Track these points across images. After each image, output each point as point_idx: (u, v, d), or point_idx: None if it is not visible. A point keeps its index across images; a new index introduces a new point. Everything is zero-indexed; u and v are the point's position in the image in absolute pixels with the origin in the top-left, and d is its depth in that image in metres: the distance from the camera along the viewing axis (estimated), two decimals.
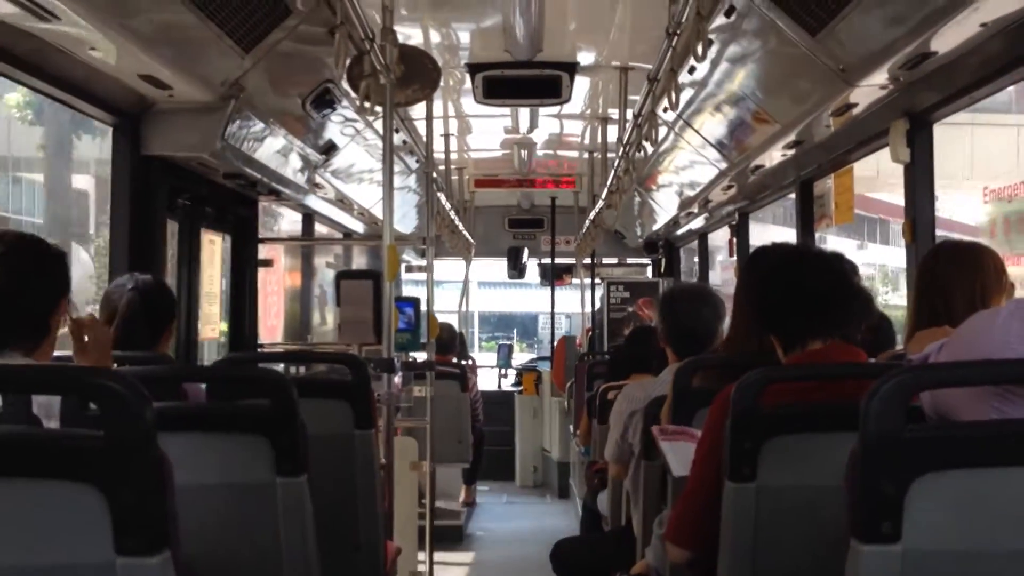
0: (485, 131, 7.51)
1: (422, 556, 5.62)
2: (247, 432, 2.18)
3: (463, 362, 8.80)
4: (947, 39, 3.15)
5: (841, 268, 2.39)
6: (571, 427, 8.18)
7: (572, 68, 5.41)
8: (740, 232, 6.65)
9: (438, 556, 5.92)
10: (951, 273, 2.73)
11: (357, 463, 3.02)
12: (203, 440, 2.19)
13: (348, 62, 4.27)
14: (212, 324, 4.93)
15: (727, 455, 2.05)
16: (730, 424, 2.05)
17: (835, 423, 2.01)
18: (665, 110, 5.34)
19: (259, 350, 5.20)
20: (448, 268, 11.42)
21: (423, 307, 5.58)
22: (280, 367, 5.68)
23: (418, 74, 4.30)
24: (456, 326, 10.42)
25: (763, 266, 2.56)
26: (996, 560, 1.25)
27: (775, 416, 2.04)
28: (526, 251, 10.63)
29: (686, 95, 5.17)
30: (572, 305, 11.80)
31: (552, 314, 10.74)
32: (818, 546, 1.91)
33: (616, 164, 5.86)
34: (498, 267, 11.30)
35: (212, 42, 3.56)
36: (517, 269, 10.68)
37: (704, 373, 2.91)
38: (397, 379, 6.77)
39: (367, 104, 3.90)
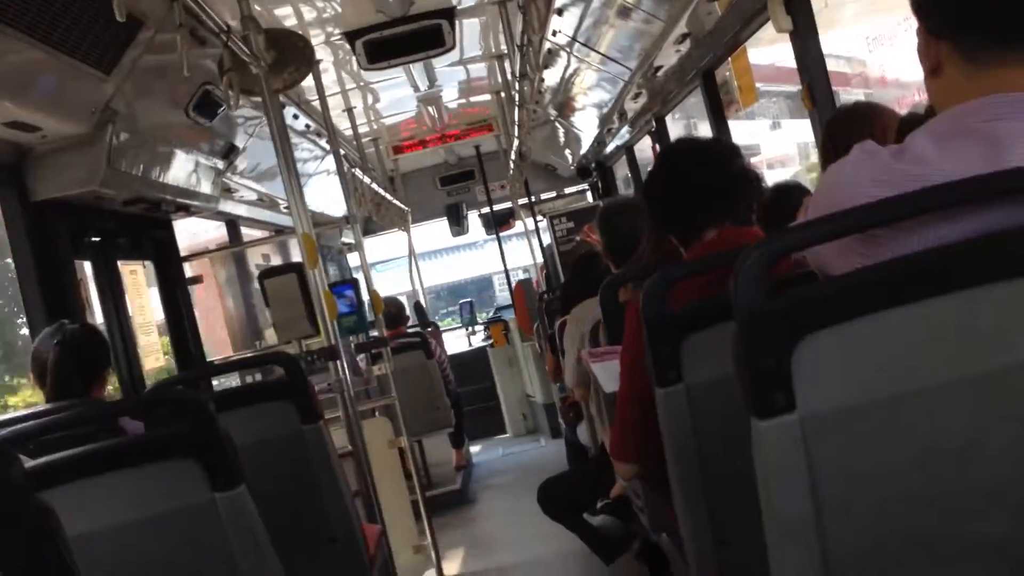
0: (390, 96, 7.39)
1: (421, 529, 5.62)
2: (174, 457, 2.12)
3: (425, 329, 8.76)
4: None
5: (719, 153, 2.36)
6: (547, 368, 8.18)
7: (451, 13, 5.30)
8: (660, 137, 6.62)
9: (442, 522, 5.92)
10: (843, 136, 2.72)
11: (312, 458, 2.97)
12: (134, 475, 2.13)
13: (217, 61, 4.16)
14: (155, 354, 4.85)
15: (649, 362, 2.03)
16: (646, 331, 2.02)
17: None
18: (555, 34, 5.27)
19: (210, 365, 5.12)
20: (389, 243, 11.33)
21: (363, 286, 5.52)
22: (236, 378, 5.63)
23: (291, 55, 4.19)
24: (413, 300, 10.38)
25: (649, 172, 2.53)
26: (895, 405, 1.23)
27: (685, 315, 2.02)
28: (464, 206, 10.55)
29: (574, 15, 5.10)
30: (524, 256, 11.75)
31: (504, 264, 10.69)
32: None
33: (517, 99, 5.79)
34: (439, 234, 11.22)
35: (69, 73, 3.44)
36: (459, 225, 10.61)
37: (635, 285, 2.89)
38: (361, 362, 6.74)
39: (237, 97, 3.78)
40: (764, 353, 1.23)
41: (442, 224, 10.83)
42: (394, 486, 5.25)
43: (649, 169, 2.92)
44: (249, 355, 5.05)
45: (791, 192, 3.58)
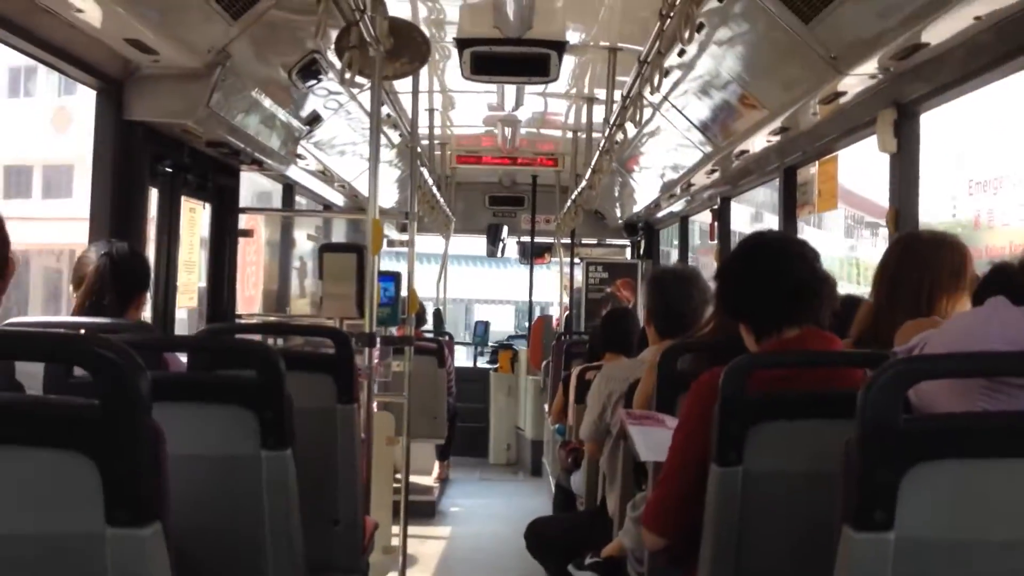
0: (469, 107, 7.46)
1: (396, 530, 5.63)
2: (233, 404, 2.16)
3: (440, 338, 8.79)
4: (939, 31, 3.16)
5: (810, 253, 2.39)
6: (546, 406, 8.20)
7: (561, 47, 5.38)
8: (722, 217, 6.66)
9: (411, 531, 5.93)
10: (902, 265, 2.75)
11: (339, 438, 3.00)
12: (188, 410, 2.17)
13: (336, 33, 4.24)
14: (190, 293, 4.89)
15: (714, 439, 2.06)
16: (718, 408, 2.05)
17: (821, 410, 2.02)
18: (653, 92, 5.34)
19: (237, 321, 5.16)
20: (425, 243, 11.37)
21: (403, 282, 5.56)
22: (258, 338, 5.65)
23: (407, 48, 4.26)
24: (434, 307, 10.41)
25: (734, 255, 2.56)
26: (987, 550, 1.26)
27: (762, 402, 2.05)
28: (505, 229, 10.60)
29: (674, 77, 5.16)
30: (547, 292, 11.79)
31: (530, 293, 10.73)
32: (801, 531, 1.92)
33: (600, 145, 5.84)
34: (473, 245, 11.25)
35: (200, 8, 3.51)
36: (496, 246, 10.66)
37: (687, 357, 2.92)
38: (380, 354, 6.77)
39: (353, 76, 3.85)
40: (878, 468, 1.26)
41: (474, 239, 10.89)
42: (382, 483, 5.27)
43: (731, 253, 2.96)
44: (302, 323, 5.08)
45: (855, 305, 3.63)
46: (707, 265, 8.18)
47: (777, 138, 4.96)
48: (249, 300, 6.37)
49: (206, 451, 2.16)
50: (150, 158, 4.16)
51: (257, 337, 5.07)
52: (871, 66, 3.58)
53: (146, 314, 4.36)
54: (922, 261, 2.77)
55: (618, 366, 4.32)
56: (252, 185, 6.86)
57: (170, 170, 4.49)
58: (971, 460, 1.25)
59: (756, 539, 2.05)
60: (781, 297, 2.35)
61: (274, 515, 2.16)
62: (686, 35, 3.71)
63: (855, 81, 3.78)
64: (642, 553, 2.94)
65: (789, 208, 5.34)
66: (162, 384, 2.15)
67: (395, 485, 5.80)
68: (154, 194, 4.47)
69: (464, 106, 7.47)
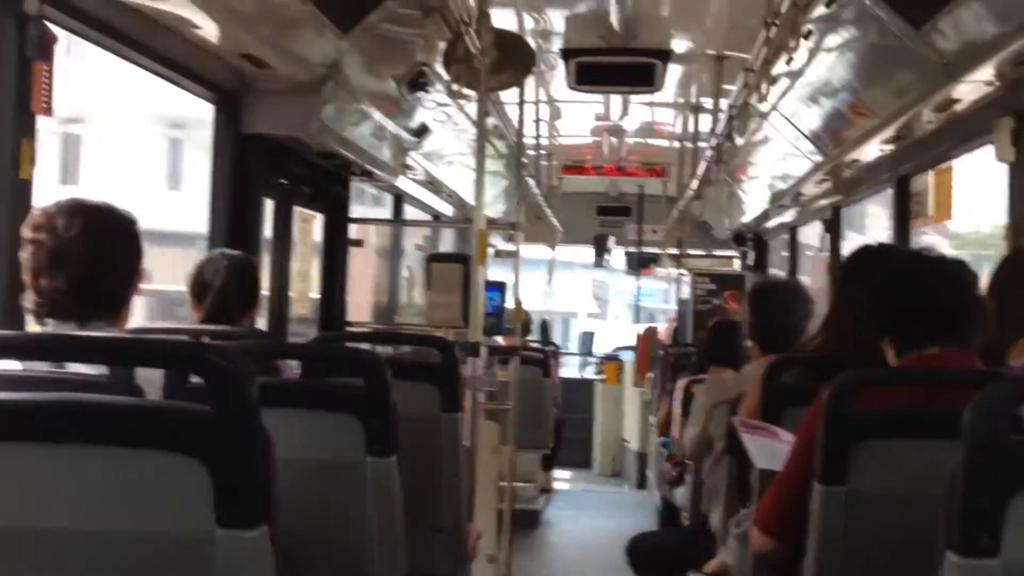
0: (575, 117, 7.48)
1: (499, 539, 5.67)
2: (340, 411, 2.22)
3: (547, 348, 8.82)
4: None
5: (967, 275, 2.34)
6: (651, 418, 8.15)
7: (666, 56, 5.35)
8: (833, 227, 6.52)
9: (515, 540, 5.96)
10: (1011, 281, 2.66)
11: (443, 446, 3.05)
12: (296, 416, 2.24)
13: (443, 45, 4.31)
14: (303, 301, 5.03)
15: (818, 456, 2.03)
16: (823, 425, 2.02)
17: (931, 430, 1.97)
18: (760, 100, 5.27)
19: (347, 329, 5.28)
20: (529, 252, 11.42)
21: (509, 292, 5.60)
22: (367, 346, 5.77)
23: (512, 59, 4.31)
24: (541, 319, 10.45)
25: (885, 268, 2.52)
26: None
27: (868, 419, 2.01)
28: (612, 239, 10.57)
29: (782, 85, 5.08)
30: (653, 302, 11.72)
31: (637, 304, 10.68)
32: (907, 554, 1.88)
33: (708, 154, 5.79)
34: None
35: (310, 23, 3.61)
36: (603, 256, 10.64)
37: (793, 371, 2.88)
38: (482, 363, 6.84)
39: (460, 88, 3.91)
40: (984, 491, 1.23)
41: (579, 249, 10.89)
42: (487, 491, 5.31)
43: (856, 262, 2.89)
44: (409, 331, 5.16)
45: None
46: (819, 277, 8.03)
47: (890, 147, 4.84)
48: (359, 308, 6.50)
49: (313, 456, 2.22)
50: (264, 169, 4.30)
51: (366, 345, 5.19)
52: (987, 72, 3.47)
53: (261, 322, 4.52)
54: None
55: (722, 379, 4.27)
56: (362, 196, 7.01)
57: (284, 181, 4.63)
58: None
59: (860, 560, 2.01)
60: (931, 316, 2.31)
61: (379, 521, 2.21)
62: (793, 43, 3.66)
63: (970, 88, 3.66)
64: (746, 569, 2.90)
65: (902, 219, 5.19)
66: (272, 390, 2.24)
67: (499, 494, 5.84)
68: (269, 205, 4.61)
69: (570, 116, 7.50)
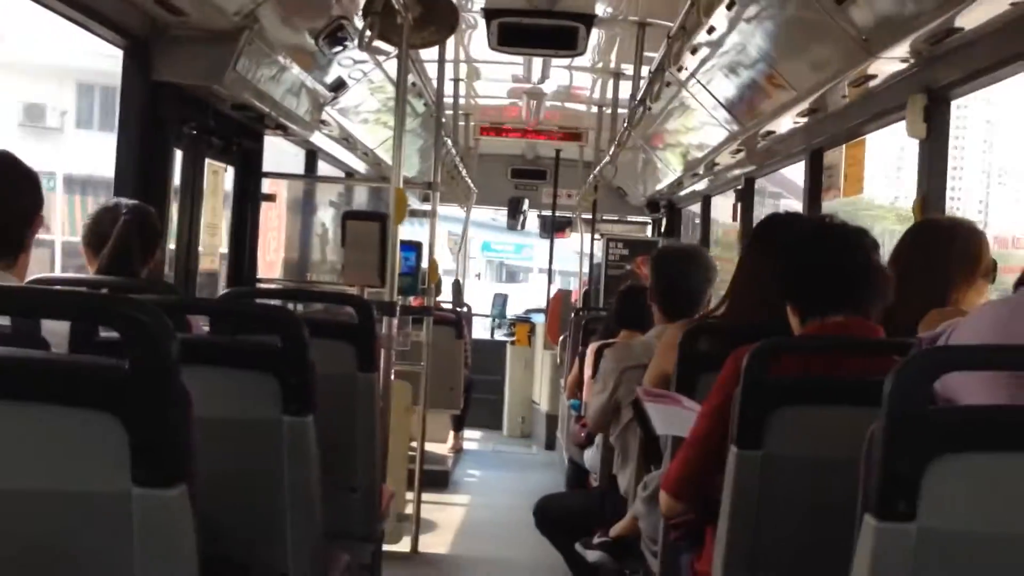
0: (494, 78, 7.43)
1: (410, 497, 5.67)
2: (256, 369, 2.18)
3: (459, 309, 8.81)
4: (974, 15, 3.11)
5: (869, 243, 2.39)
6: (562, 381, 8.22)
7: (590, 20, 5.34)
8: (745, 198, 6.63)
9: (425, 499, 5.97)
10: (914, 251, 2.73)
11: (359, 406, 3.02)
12: (211, 374, 2.18)
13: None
14: (211, 256, 4.91)
15: (734, 421, 2.06)
16: (740, 391, 2.06)
17: (843, 397, 2.02)
18: (680, 69, 5.30)
19: (259, 286, 5.18)
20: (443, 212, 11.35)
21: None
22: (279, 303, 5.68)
23: (435, 17, 4.25)
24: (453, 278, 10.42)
25: (788, 236, 2.55)
26: (1011, 543, 1.26)
27: (784, 386, 2.05)
28: (527, 202, 10.59)
29: (702, 54, 5.12)
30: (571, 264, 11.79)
31: (550, 267, 10.73)
32: (820, 518, 1.92)
33: (626, 120, 5.81)
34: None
35: None
36: (517, 219, 10.65)
37: (703, 337, 2.92)
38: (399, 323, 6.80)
39: (380, 43, 3.84)
40: (901, 457, 1.26)
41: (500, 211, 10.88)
42: (398, 452, 5.30)
43: (763, 231, 2.94)
44: (324, 289, 5.10)
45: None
46: (730, 245, 8.16)
47: (804, 120, 4.92)
48: (270, 265, 6.39)
49: (229, 415, 2.18)
50: (176, 119, 4.16)
51: (278, 302, 5.11)
52: (903, 49, 3.54)
53: (169, 274, 4.40)
54: (935, 248, 2.75)
55: (630, 345, 4.30)
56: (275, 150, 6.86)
57: (195, 132, 4.50)
58: (996, 453, 1.25)
59: (773, 522, 2.05)
60: (835, 284, 2.35)
61: (294, 481, 2.18)
62: (715, 11, 3.68)
63: (886, 64, 3.73)
64: (656, 533, 2.95)
65: (815, 191, 5.30)
66: (187, 347, 2.17)
67: (410, 454, 5.83)
68: (179, 156, 4.48)
69: (489, 77, 7.44)
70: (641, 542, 3.31)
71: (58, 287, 2.63)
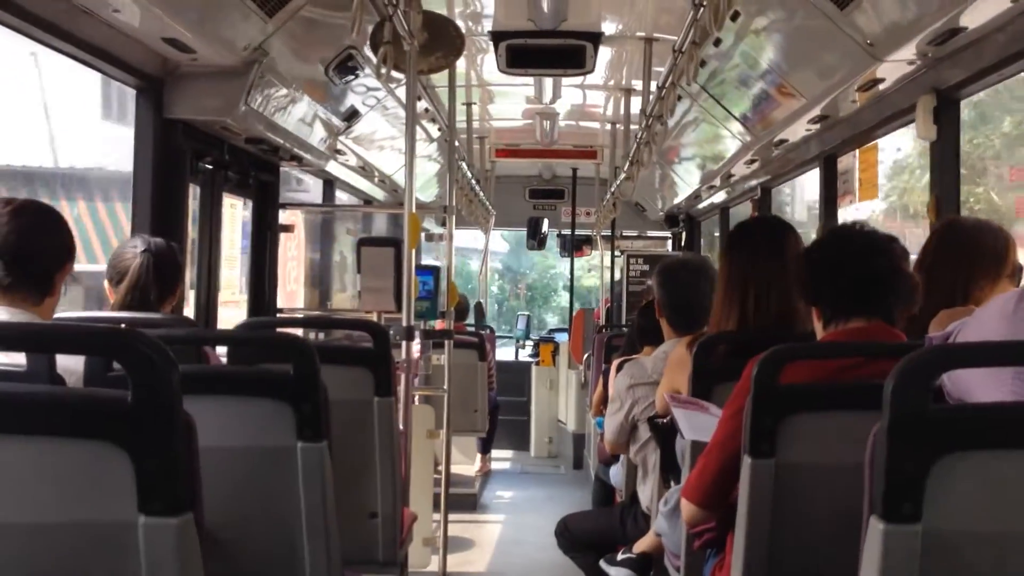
0: (507, 100, 7.47)
1: (436, 517, 5.67)
2: (269, 397, 2.19)
3: (481, 331, 8.81)
4: (977, 15, 3.11)
5: (894, 249, 2.38)
6: (587, 399, 8.21)
7: (597, 38, 5.36)
8: (762, 207, 6.62)
9: (452, 524, 5.97)
10: (938, 253, 2.73)
11: (377, 430, 3.03)
12: (225, 403, 2.21)
13: (371, 28, 4.26)
14: (231, 288, 4.95)
15: (746, 430, 2.06)
16: (750, 400, 2.05)
17: (856, 401, 2.01)
18: (690, 82, 5.31)
19: (290, 316, 5.22)
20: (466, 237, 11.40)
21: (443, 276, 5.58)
22: (300, 332, 5.72)
23: (441, 41, 4.28)
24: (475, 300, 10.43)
25: (820, 243, 2.56)
26: (1019, 541, 1.25)
27: (796, 393, 2.04)
28: (546, 222, 10.60)
29: (711, 67, 5.13)
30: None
31: (571, 286, 10.72)
32: (836, 524, 1.91)
33: (638, 136, 5.82)
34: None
35: (235, 6, 3.55)
36: (536, 240, 10.66)
37: (719, 347, 2.91)
38: (417, 347, 6.81)
39: (388, 71, 3.87)
40: (905, 459, 1.25)
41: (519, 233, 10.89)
42: (422, 476, 5.30)
43: (818, 239, 2.94)
44: (341, 316, 5.13)
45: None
46: None
47: (816, 126, 4.91)
48: (291, 295, 6.44)
49: (244, 443, 2.19)
50: (190, 155, 4.22)
51: (298, 331, 5.14)
52: (909, 52, 3.53)
53: (189, 309, 4.44)
54: (959, 248, 2.74)
55: (641, 362, 4.28)
56: (289, 181, 6.93)
57: (210, 167, 4.55)
58: (1000, 451, 1.24)
59: (789, 528, 2.04)
60: (852, 288, 2.35)
61: (310, 506, 2.18)
62: (720, 24, 3.68)
63: (893, 68, 3.73)
64: (678, 547, 2.93)
65: (830, 197, 5.28)
66: (201, 377, 2.21)
67: (436, 476, 5.84)
68: (194, 191, 4.53)
69: (503, 100, 7.48)
70: (665, 557, 3.29)
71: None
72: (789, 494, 2.03)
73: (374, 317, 4.44)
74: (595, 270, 12.19)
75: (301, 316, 5.29)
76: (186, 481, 1.35)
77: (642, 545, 3.72)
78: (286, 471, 2.17)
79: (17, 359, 2.01)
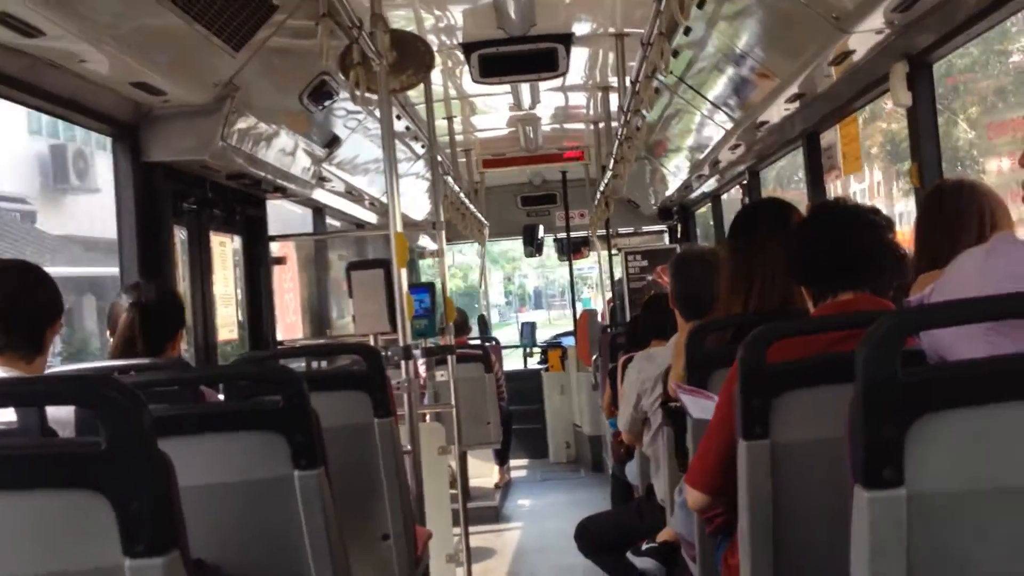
0: (489, 110, 7.48)
1: (457, 531, 5.66)
2: (262, 429, 2.19)
3: (486, 343, 8.80)
4: None
5: (878, 221, 2.38)
6: (599, 400, 8.20)
7: (568, 39, 5.37)
8: (751, 190, 6.61)
9: (474, 537, 5.96)
10: (926, 218, 2.72)
11: (379, 452, 3.02)
12: (219, 440, 2.21)
13: (340, 53, 4.27)
14: (229, 326, 4.95)
15: (738, 413, 2.05)
16: (739, 383, 2.04)
17: (845, 374, 1.99)
18: (665, 74, 5.31)
19: (279, 347, 5.22)
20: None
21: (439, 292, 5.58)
22: (302, 363, 5.72)
23: (411, 58, 4.29)
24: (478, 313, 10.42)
25: (806, 220, 2.55)
26: (1002, 497, 1.24)
27: (783, 372, 2.03)
28: (541, 228, 10.60)
29: (686, 57, 5.13)
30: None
31: (572, 289, 10.71)
32: (837, 498, 1.89)
33: (619, 132, 5.83)
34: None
35: (201, 44, 3.55)
36: (534, 246, 10.66)
37: (716, 335, 2.91)
38: (422, 366, 6.81)
39: (362, 93, 3.88)
40: (881, 424, 1.25)
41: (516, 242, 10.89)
42: (438, 493, 5.29)
43: (803, 217, 2.93)
44: (332, 342, 5.13)
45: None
46: None
47: (794, 104, 4.90)
48: (291, 326, 6.44)
49: (240, 478, 2.19)
50: (173, 197, 4.22)
51: (298, 363, 5.14)
52: (876, 21, 3.52)
53: (188, 350, 4.45)
54: (942, 214, 2.74)
55: (650, 354, 4.30)
56: (283, 213, 6.94)
57: (195, 207, 4.55)
58: (975, 408, 1.23)
59: (791, 509, 2.03)
60: (841, 262, 2.35)
61: (313, 533, 2.18)
62: (687, 13, 3.68)
63: (862, 38, 3.72)
64: (693, 537, 2.93)
65: (815, 174, 5.28)
66: (191, 418, 2.20)
67: (453, 492, 5.83)
68: (182, 232, 4.53)
69: (484, 110, 7.49)
70: (682, 549, 3.28)
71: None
72: (788, 473, 2.02)
73: (371, 340, 4.44)
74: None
75: (296, 347, 5.29)
76: (168, 520, 1.35)
77: (665, 534, 3.72)
78: (286, 501, 2.17)
79: (8, 415, 2.02)
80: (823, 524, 1.91)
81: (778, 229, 2.89)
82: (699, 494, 2.47)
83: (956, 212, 2.72)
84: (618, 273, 9.49)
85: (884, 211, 2.48)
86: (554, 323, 12.79)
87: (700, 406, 2.63)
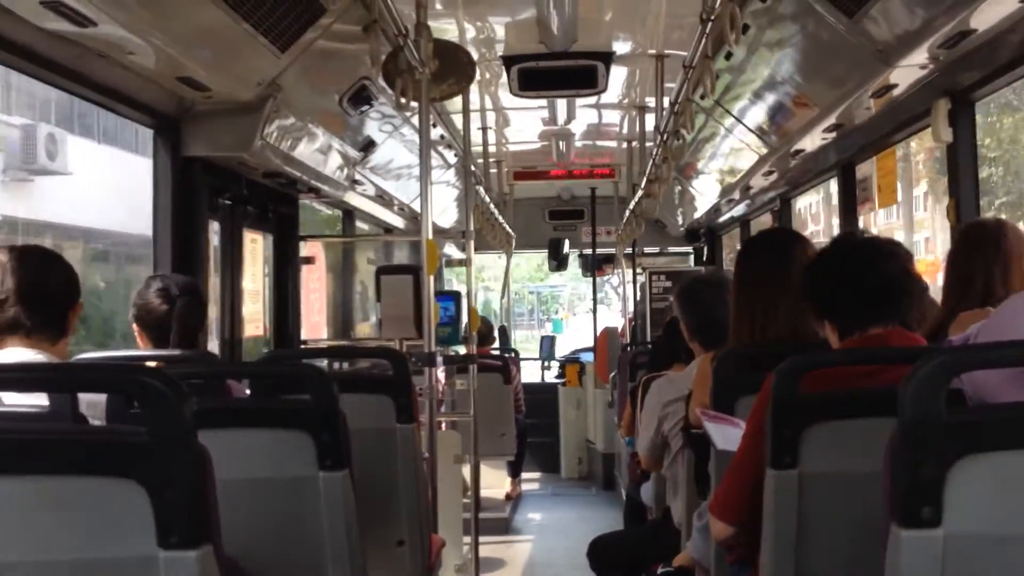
0: (523, 123, 7.50)
1: (467, 540, 5.66)
2: (289, 428, 2.20)
3: (505, 354, 8.80)
4: (986, 16, 3.10)
5: (901, 254, 2.36)
6: (615, 418, 8.17)
7: (608, 58, 5.38)
8: (782, 218, 6.59)
9: (483, 548, 5.95)
10: (959, 256, 2.72)
11: (400, 457, 3.03)
12: (246, 436, 2.22)
13: (383, 59, 4.29)
14: (256, 322, 4.98)
15: (768, 442, 2.04)
16: (770, 412, 2.04)
17: (876, 408, 1.99)
18: (702, 97, 5.31)
19: (302, 347, 5.24)
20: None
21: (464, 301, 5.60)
22: (324, 363, 5.74)
23: (453, 68, 4.31)
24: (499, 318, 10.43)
25: (824, 253, 2.53)
26: None
27: (815, 403, 2.02)
28: (567, 243, 10.60)
29: (724, 81, 5.13)
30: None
31: (594, 305, 10.70)
32: (862, 533, 1.89)
33: (654, 153, 5.83)
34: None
35: (248, 42, 3.58)
36: (558, 260, 10.66)
37: (739, 362, 2.89)
38: (441, 373, 6.82)
39: (403, 100, 3.91)
40: (923, 463, 1.24)
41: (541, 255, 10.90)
42: (451, 501, 5.29)
43: (821, 251, 2.93)
44: (360, 344, 5.16)
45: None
46: None
47: (832, 135, 4.89)
48: (315, 326, 6.46)
49: (266, 474, 2.20)
50: (209, 192, 4.26)
51: (321, 362, 5.16)
52: (920, 56, 3.52)
53: (214, 345, 4.47)
54: (979, 250, 2.73)
55: (671, 379, 4.26)
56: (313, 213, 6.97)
57: (229, 203, 4.59)
58: (1018, 451, 1.22)
59: (815, 539, 2.02)
60: (867, 295, 2.33)
61: (333, 535, 2.19)
62: (732, 37, 3.69)
63: (905, 72, 3.71)
64: (709, 563, 2.91)
65: (849, 206, 5.26)
66: (221, 412, 2.22)
67: (465, 501, 5.83)
68: (214, 226, 4.56)
69: (518, 123, 7.51)
70: (697, 574, 3.27)
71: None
72: (814, 505, 2.01)
73: (396, 345, 4.45)
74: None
75: (322, 347, 5.31)
76: (204, 514, 1.36)
77: (680, 559, 3.69)
78: (309, 500, 2.18)
79: (38, 398, 2.04)
80: (848, 559, 1.90)
81: (781, 262, 2.87)
82: (723, 525, 2.45)
83: (996, 251, 2.71)
84: (639, 292, 9.48)
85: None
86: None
87: (724, 434, 2.61)
